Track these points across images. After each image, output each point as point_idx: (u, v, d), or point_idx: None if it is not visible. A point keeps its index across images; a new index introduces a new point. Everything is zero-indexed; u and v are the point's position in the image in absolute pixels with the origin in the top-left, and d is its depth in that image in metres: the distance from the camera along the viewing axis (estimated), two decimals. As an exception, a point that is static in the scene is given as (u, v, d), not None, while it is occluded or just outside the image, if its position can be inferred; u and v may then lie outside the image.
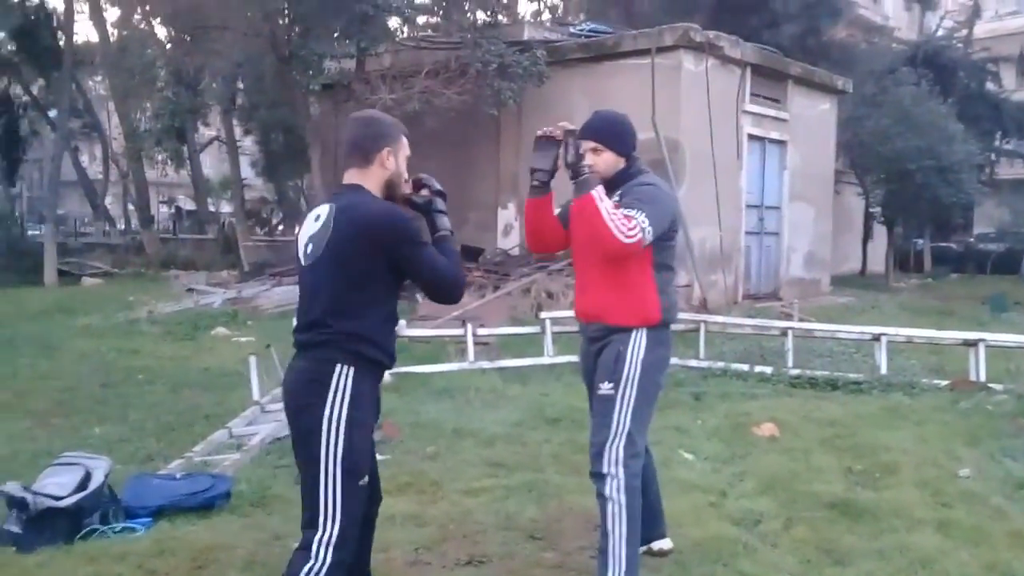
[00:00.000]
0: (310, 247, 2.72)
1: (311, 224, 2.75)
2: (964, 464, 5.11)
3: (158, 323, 11.07)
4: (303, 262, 2.75)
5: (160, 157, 21.37)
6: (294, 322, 2.83)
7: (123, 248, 22.61)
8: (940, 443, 5.57)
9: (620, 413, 3.21)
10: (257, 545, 3.81)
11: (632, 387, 3.22)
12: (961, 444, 5.58)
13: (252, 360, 6.25)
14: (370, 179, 2.78)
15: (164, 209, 29.78)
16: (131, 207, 25.20)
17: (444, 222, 2.87)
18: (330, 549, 2.61)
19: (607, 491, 3.19)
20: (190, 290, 14.54)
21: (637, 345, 3.25)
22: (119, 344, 9.43)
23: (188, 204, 28.58)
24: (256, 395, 6.11)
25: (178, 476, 4.50)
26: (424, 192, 2.91)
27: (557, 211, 3.55)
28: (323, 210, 2.75)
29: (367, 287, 2.68)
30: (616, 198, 3.23)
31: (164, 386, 7.38)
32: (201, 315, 11.71)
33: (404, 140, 2.86)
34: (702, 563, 3.65)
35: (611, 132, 3.40)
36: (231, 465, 4.84)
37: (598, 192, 3.13)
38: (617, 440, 3.20)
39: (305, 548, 2.63)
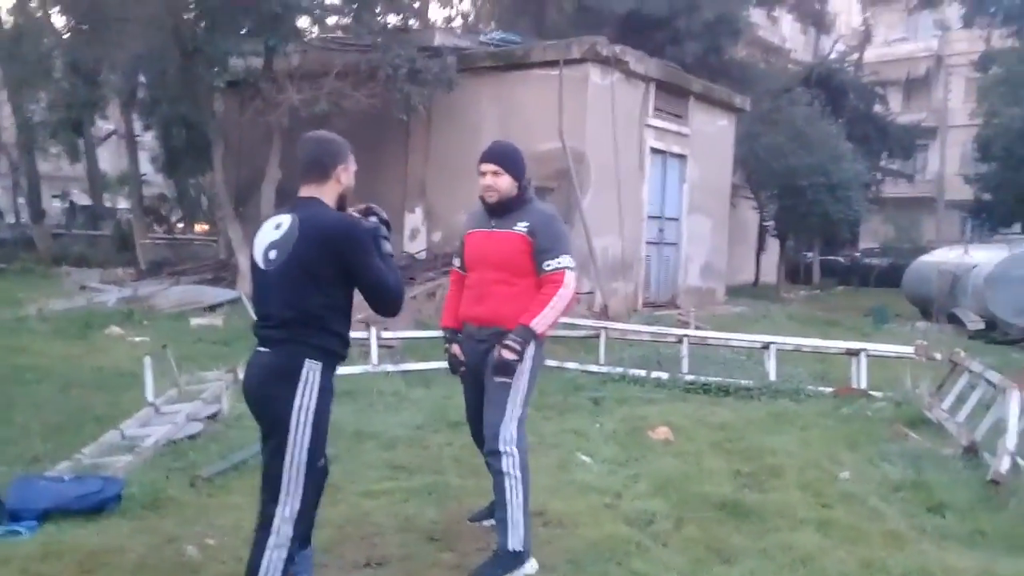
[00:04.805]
0: (272, 253, 2.99)
1: (270, 232, 3.03)
2: (844, 467, 5.37)
3: (48, 321, 10.63)
4: (263, 266, 3.02)
5: (54, 150, 20.50)
6: (253, 317, 3.11)
7: (12, 242, 21.59)
8: (823, 447, 5.85)
9: (513, 400, 3.67)
10: (148, 549, 3.74)
11: (523, 379, 3.69)
12: (842, 448, 5.86)
13: (147, 360, 6.09)
14: (327, 193, 3.08)
15: (57, 203, 28.48)
16: (21, 200, 24.07)
17: (387, 246, 3.15)
18: (291, 524, 2.95)
19: (504, 467, 3.62)
20: (83, 288, 14.02)
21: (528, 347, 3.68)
22: (6, 342, 9.01)
23: (83, 199, 27.42)
24: (150, 396, 5.95)
25: (66, 478, 4.36)
26: (372, 219, 3.16)
27: (456, 263, 4.08)
28: (284, 219, 3.02)
29: (328, 290, 2.97)
30: (522, 228, 3.69)
31: (53, 386, 7.10)
32: (94, 313, 11.30)
33: (352, 157, 3.17)
34: (596, 562, 3.76)
35: (510, 158, 3.80)
36: (122, 467, 4.71)
37: (539, 325, 3.61)
38: (511, 423, 3.66)
39: (266, 525, 2.95)
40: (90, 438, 5.30)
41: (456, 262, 4.09)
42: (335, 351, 3.04)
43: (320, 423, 2.98)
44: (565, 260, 3.66)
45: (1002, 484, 4.67)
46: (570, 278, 3.65)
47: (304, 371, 2.93)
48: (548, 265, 3.65)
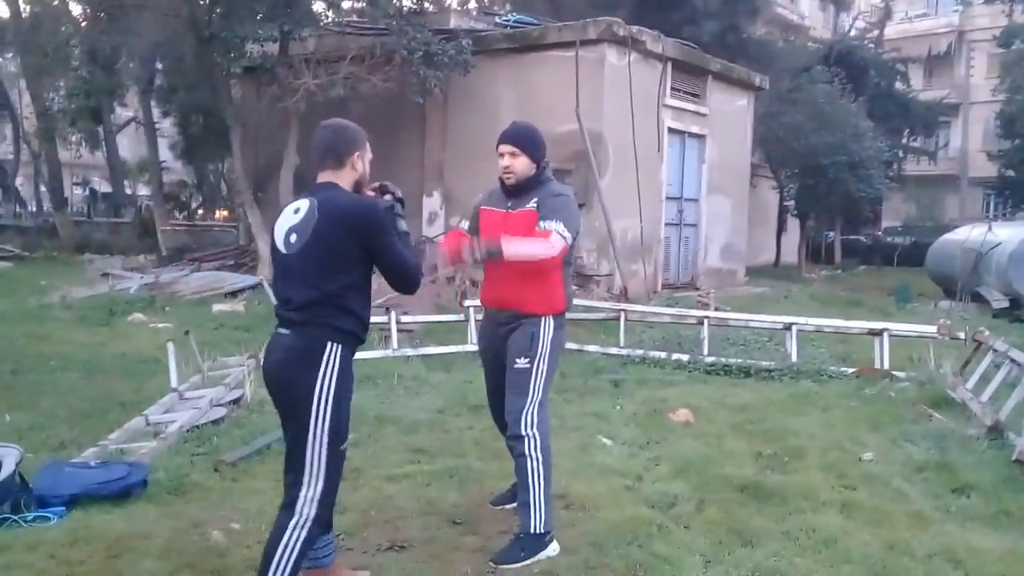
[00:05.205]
0: (292, 236, 3.01)
1: (290, 216, 3.06)
2: (867, 448, 5.33)
3: (71, 308, 10.75)
4: (284, 250, 3.04)
5: (74, 138, 20.65)
6: (273, 301, 3.14)
7: (35, 231, 21.84)
8: (845, 428, 5.81)
9: (535, 383, 3.69)
10: (174, 533, 3.78)
11: (544, 362, 3.71)
12: (865, 429, 5.82)
13: (170, 347, 6.13)
14: (343, 179, 3.10)
15: (78, 191, 28.72)
16: (43, 189, 24.31)
17: (402, 224, 3.16)
18: (314, 505, 2.95)
19: (526, 450, 3.63)
20: (105, 275, 14.13)
21: (546, 328, 3.74)
22: (30, 329, 9.12)
23: (104, 186, 27.64)
24: (174, 382, 5.99)
25: (92, 464, 4.41)
26: (387, 197, 3.19)
27: (466, 225, 4.04)
28: (303, 204, 3.06)
29: (349, 270, 2.99)
30: (533, 204, 3.70)
31: (78, 373, 7.19)
32: (117, 300, 11.40)
33: (368, 145, 3.19)
34: (618, 544, 3.75)
35: (527, 139, 3.80)
36: (148, 453, 4.75)
37: (507, 246, 3.51)
38: (532, 406, 3.67)
39: (290, 505, 2.96)
40: (115, 424, 5.36)
41: (464, 225, 4.08)
42: (355, 332, 3.05)
43: (341, 405, 2.98)
44: (558, 226, 3.61)
45: (1027, 464, 4.64)
46: (556, 239, 3.59)
47: (326, 353, 2.94)
48: (539, 226, 3.63)
